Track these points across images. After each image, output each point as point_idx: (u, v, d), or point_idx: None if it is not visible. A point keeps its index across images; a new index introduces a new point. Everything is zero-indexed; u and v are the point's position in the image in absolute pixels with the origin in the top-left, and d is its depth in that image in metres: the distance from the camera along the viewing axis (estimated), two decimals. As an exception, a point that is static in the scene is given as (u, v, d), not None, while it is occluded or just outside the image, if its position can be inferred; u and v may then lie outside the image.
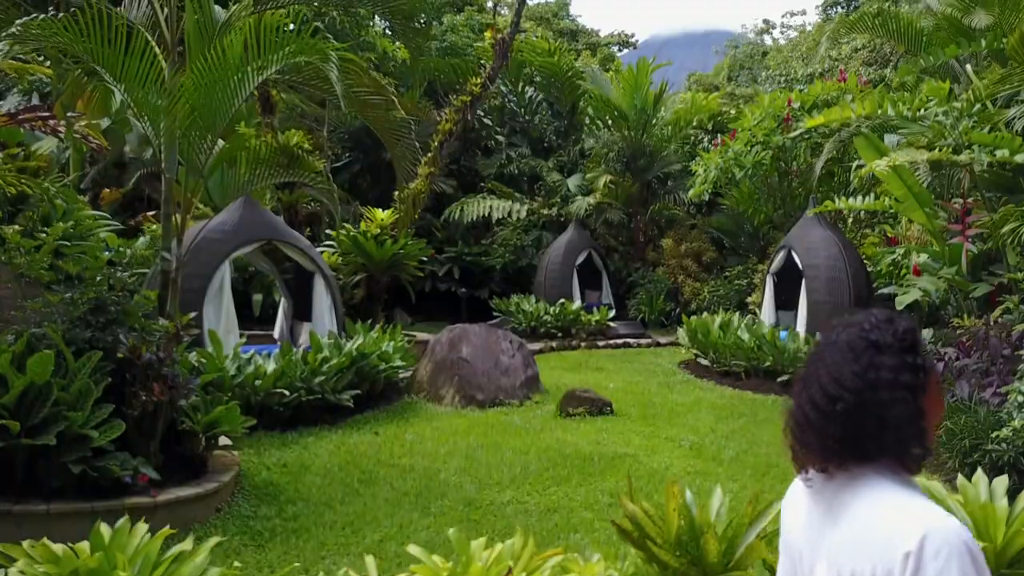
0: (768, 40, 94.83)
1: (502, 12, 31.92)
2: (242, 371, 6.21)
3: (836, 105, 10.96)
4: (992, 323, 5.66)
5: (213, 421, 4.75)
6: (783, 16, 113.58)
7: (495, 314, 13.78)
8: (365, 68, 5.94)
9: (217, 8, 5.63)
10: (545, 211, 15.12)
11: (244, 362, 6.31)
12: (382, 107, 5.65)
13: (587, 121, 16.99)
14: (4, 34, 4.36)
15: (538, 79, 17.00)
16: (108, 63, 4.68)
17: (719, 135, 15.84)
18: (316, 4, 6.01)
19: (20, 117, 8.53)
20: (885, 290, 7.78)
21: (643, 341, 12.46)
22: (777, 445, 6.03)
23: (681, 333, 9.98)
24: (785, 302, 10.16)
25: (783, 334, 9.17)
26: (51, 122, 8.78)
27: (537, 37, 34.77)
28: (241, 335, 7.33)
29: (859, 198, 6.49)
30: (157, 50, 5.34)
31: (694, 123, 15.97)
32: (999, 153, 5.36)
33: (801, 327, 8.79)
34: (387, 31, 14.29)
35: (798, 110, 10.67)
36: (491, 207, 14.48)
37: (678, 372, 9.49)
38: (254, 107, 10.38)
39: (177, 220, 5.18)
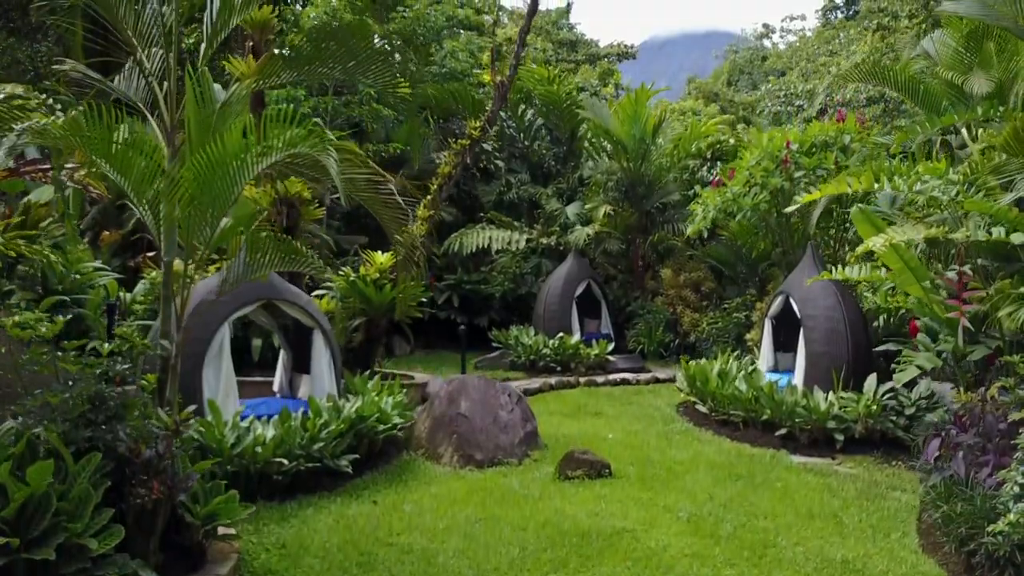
0: (768, 44, 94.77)
1: (503, 22, 31.99)
2: (241, 441, 6.23)
3: (834, 145, 11.06)
4: (988, 399, 5.68)
5: (212, 513, 4.76)
6: (783, 20, 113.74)
7: (494, 344, 13.82)
8: (362, 155, 5.95)
9: (217, 87, 5.65)
10: (544, 240, 15.14)
11: (243, 431, 6.32)
12: (378, 192, 5.67)
13: (586, 146, 17.03)
14: (6, 140, 4.39)
15: (537, 102, 17.02)
16: (109, 158, 4.70)
17: (718, 163, 15.92)
18: (319, 75, 6.01)
19: (22, 170, 8.59)
20: (884, 347, 7.80)
21: (642, 377, 12.48)
22: (774, 516, 6.06)
23: (680, 378, 10.00)
24: (784, 343, 10.18)
25: (783, 382, 9.19)
26: (51, 174, 8.83)
27: (537, 50, 34.85)
28: (241, 402, 7.34)
29: (856, 268, 6.51)
30: (159, 136, 5.36)
31: (692, 150, 16.00)
32: (995, 232, 5.37)
33: (799, 378, 8.80)
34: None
35: (796, 152, 10.69)
36: (490, 238, 14.51)
37: (676, 419, 9.50)
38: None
39: (177, 304, 5.20)
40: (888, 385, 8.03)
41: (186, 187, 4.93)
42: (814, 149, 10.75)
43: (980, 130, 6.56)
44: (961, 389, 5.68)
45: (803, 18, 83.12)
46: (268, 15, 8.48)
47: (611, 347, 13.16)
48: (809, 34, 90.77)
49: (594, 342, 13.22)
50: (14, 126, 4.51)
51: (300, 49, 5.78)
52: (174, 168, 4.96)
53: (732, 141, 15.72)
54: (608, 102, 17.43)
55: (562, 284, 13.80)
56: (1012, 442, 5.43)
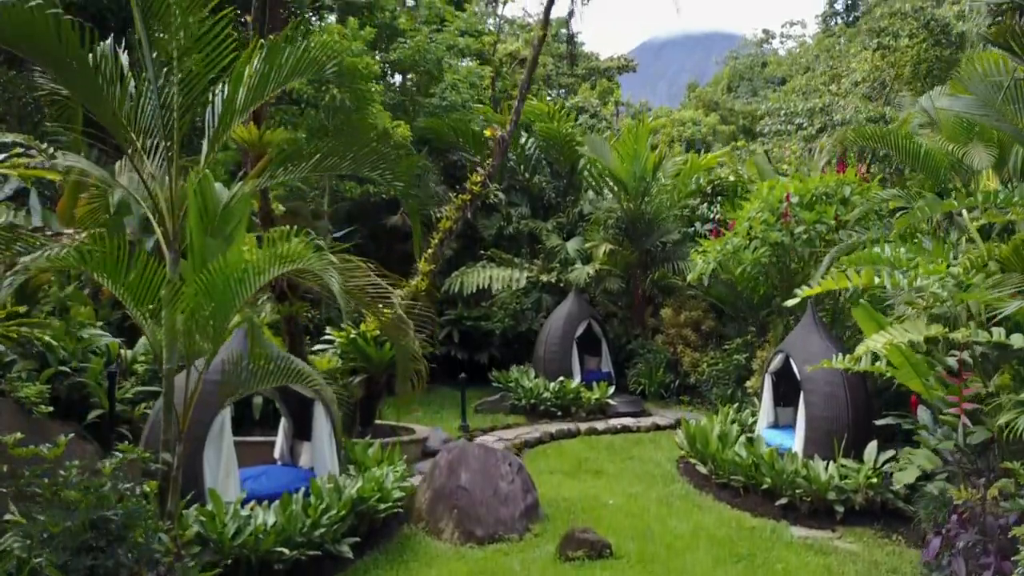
0: (767, 49, 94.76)
1: (504, 31, 31.94)
2: (242, 531, 6.23)
3: (835, 197, 11.06)
4: (988, 498, 5.68)
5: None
6: (783, 26, 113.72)
7: (495, 384, 13.84)
8: (362, 264, 5.96)
9: (219, 186, 5.66)
10: (545, 277, 15.14)
11: (244, 521, 6.33)
12: (377, 300, 5.68)
13: (586, 179, 17.04)
14: (12, 271, 4.41)
15: (538, 136, 17.02)
16: (114, 277, 4.72)
17: (718, 198, 15.94)
18: (321, 170, 6.02)
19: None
20: (885, 420, 7.81)
21: (643, 422, 12.48)
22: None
23: (680, 435, 10.00)
24: (785, 397, 10.18)
25: (783, 440, 9.20)
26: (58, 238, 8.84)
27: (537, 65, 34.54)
28: (241, 471, 7.34)
29: (858, 361, 6.51)
30: (164, 247, 5.37)
31: (692, 186, 16.01)
32: (996, 332, 5.38)
33: (799, 444, 8.80)
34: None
35: (796, 205, 10.69)
36: (491, 277, 14.52)
37: (677, 478, 9.51)
38: (253, 223, 10.41)
39: (178, 414, 5.21)
40: (889, 453, 8.05)
41: (187, 302, 4.95)
42: (814, 200, 10.75)
43: (979, 211, 6.57)
44: (962, 487, 5.68)
45: (804, 25, 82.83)
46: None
47: (611, 390, 13.17)
48: (809, 41, 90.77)
49: (595, 384, 13.23)
50: (21, 259, 4.52)
51: (301, 149, 5.79)
52: (176, 284, 4.98)
53: (732, 178, 15.71)
54: (608, 135, 17.41)
55: (562, 325, 13.81)
56: (1012, 540, 5.44)
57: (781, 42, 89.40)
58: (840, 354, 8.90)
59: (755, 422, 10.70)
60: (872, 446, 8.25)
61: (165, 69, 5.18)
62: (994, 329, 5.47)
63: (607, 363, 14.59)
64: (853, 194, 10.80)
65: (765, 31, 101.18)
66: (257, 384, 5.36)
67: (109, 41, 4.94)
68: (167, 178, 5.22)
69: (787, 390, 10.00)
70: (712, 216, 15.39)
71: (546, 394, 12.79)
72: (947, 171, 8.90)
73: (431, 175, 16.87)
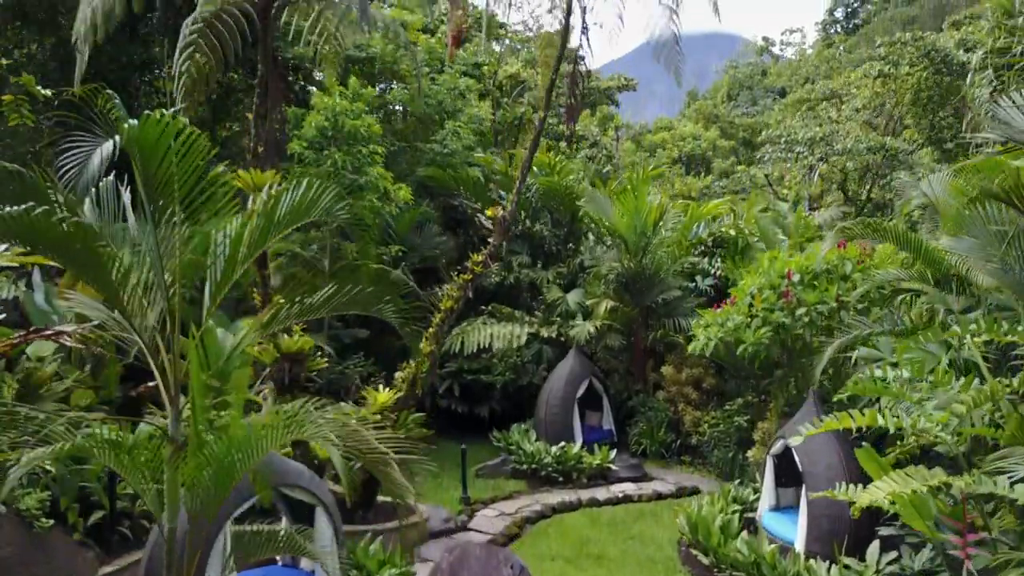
0: (767, 58, 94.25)
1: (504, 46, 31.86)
2: (244, 665, 6.23)
3: (835, 274, 11.05)
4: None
5: None
6: (782, 34, 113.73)
7: (495, 443, 13.86)
8: (361, 420, 5.95)
9: (220, 332, 5.65)
10: (545, 332, 15.13)
11: (246, 654, 6.32)
12: (379, 459, 5.68)
13: (587, 224, 17.04)
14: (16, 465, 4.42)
15: (537, 182, 17.03)
16: (119, 463, 4.74)
17: (719, 250, 15.94)
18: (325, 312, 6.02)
19: (34, 335, 8.61)
20: (888, 531, 7.81)
21: (644, 490, 12.47)
22: None
23: (681, 521, 9.99)
24: (786, 478, 10.18)
25: (787, 537, 9.19)
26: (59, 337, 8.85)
27: (536, 87, 34.47)
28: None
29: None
30: (166, 403, 5.37)
31: (693, 235, 16.02)
32: (1000, 483, 5.39)
33: (801, 542, 8.79)
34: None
35: (798, 284, 10.68)
36: (491, 335, 14.50)
37: (679, 568, 9.50)
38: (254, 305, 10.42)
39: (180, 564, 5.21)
40: (892, 555, 8.05)
41: (189, 472, 4.95)
42: (814, 279, 10.73)
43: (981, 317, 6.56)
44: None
45: (803, 37, 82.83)
46: (272, 177, 8.48)
47: (613, 454, 13.15)
48: (809, 50, 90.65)
49: (596, 447, 13.23)
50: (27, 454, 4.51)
51: (306, 298, 5.78)
52: (178, 456, 4.97)
53: (732, 232, 15.70)
54: (610, 179, 17.37)
55: (563, 386, 13.80)
56: None
57: (781, 50, 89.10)
58: (842, 451, 8.92)
59: (757, 499, 10.71)
60: (875, 547, 8.24)
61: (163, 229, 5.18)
62: (998, 479, 5.47)
63: (608, 420, 14.59)
64: (854, 271, 10.79)
65: (765, 38, 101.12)
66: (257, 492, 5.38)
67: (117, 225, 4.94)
68: (168, 338, 5.22)
69: (789, 472, 10.00)
70: (713, 271, 15.39)
71: (547, 459, 12.79)
72: (948, 264, 8.89)
73: (433, 225, 16.87)
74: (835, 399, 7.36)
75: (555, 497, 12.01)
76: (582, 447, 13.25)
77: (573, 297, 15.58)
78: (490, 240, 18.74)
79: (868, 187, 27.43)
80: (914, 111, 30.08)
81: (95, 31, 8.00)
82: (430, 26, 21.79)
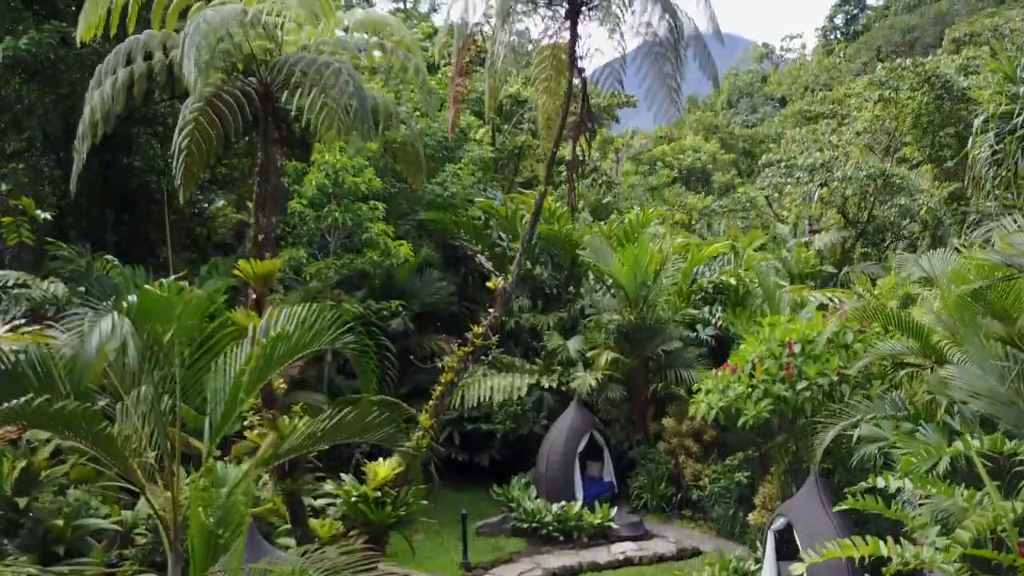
0: (767, 65, 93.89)
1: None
2: None
3: (836, 343, 11.04)
4: None
5: None
6: (782, 40, 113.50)
7: (496, 498, 13.85)
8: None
9: (221, 467, 5.64)
10: (546, 381, 15.11)
11: None
12: None
13: (587, 267, 17.01)
14: None
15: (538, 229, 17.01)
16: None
17: (720, 297, 15.93)
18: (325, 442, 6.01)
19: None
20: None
21: (645, 550, 12.48)
22: None
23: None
24: (788, 551, 10.18)
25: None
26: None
27: (534, 110, 34.42)
28: None
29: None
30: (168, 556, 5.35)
31: (693, 286, 16.03)
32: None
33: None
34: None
35: (799, 356, 10.67)
36: (492, 387, 14.48)
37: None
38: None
39: None
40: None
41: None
42: (814, 349, 10.72)
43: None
44: None
45: (803, 47, 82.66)
46: (272, 266, 8.47)
47: (613, 511, 13.13)
48: (809, 57, 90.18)
49: (597, 504, 13.22)
50: None
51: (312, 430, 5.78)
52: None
53: (733, 281, 15.67)
54: (609, 228, 17.34)
55: (564, 442, 13.79)
56: None
57: (781, 55, 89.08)
58: (845, 535, 8.90)
59: (759, 569, 10.72)
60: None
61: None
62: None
63: (609, 472, 14.58)
64: (855, 341, 10.79)
65: (765, 45, 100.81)
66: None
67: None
68: (168, 493, 5.21)
69: (791, 543, 10.00)
70: (714, 321, 15.37)
71: (548, 517, 12.78)
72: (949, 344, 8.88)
73: (433, 269, 16.85)
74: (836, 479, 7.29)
75: (556, 560, 12.00)
76: (583, 505, 13.23)
77: (574, 344, 15.54)
78: (490, 272, 18.88)
79: (868, 210, 27.41)
80: (915, 133, 30.06)
81: (95, 131, 7.96)
82: (430, 58, 21.69)
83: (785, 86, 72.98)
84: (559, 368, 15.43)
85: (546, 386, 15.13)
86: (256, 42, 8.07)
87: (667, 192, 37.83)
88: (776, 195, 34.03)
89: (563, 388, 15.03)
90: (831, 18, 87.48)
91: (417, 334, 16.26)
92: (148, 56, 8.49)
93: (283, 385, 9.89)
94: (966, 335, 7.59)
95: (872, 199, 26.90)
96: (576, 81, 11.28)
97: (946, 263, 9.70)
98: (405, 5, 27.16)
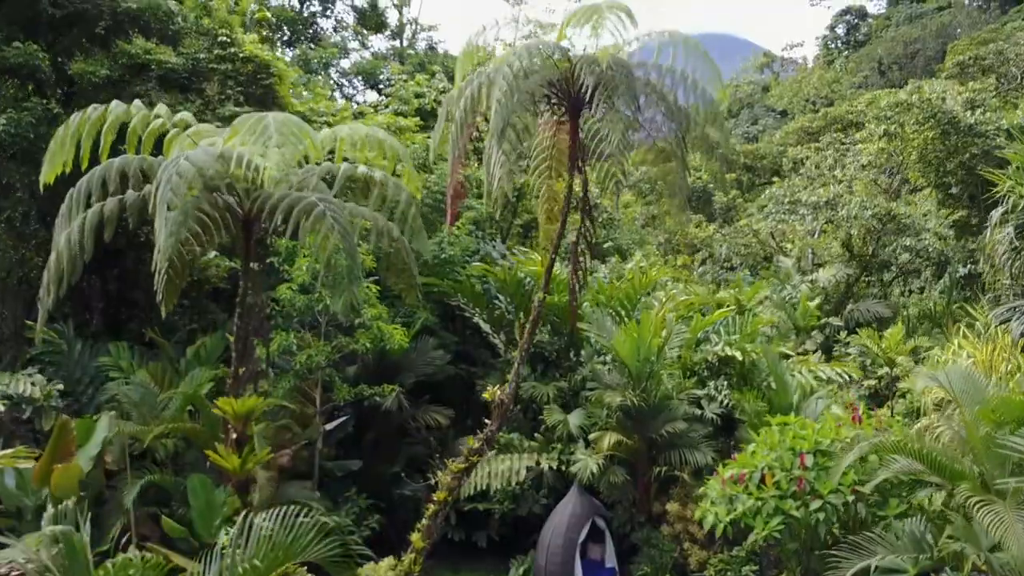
0: (768, 73, 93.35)
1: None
2: None
3: (853, 448, 10.53)
4: None
5: None
6: (783, 49, 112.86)
7: (495, 587, 13.37)
8: None
9: None
10: (546, 462, 14.61)
11: None
12: None
13: (587, 336, 16.51)
14: None
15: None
16: None
17: (727, 367, 15.44)
18: None
19: None
20: None
21: (649, 656, 11.98)
22: None
23: None
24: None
25: None
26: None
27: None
28: None
29: None
30: None
31: (698, 359, 15.53)
32: None
33: None
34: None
35: (812, 471, 10.15)
36: (489, 474, 13.98)
37: None
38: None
39: None
40: None
41: None
42: (828, 461, 10.20)
43: None
44: None
45: (803, 58, 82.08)
46: (252, 404, 7.96)
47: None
48: (811, 64, 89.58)
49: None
50: None
51: None
52: None
53: (739, 356, 15.14)
54: (610, 289, 16.85)
55: (564, 531, 13.30)
56: None
57: (782, 65, 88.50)
58: None
59: None
60: None
61: None
62: None
63: (611, 557, 14.08)
64: (871, 452, 10.27)
65: (766, 54, 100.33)
66: None
67: None
68: None
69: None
70: (720, 398, 14.86)
71: (548, 614, 12.30)
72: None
73: (429, 338, 16.35)
74: None
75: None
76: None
77: (575, 420, 15.02)
78: (487, 334, 18.36)
79: (872, 247, 26.95)
80: (921, 167, 29.64)
81: (59, 282, 7.44)
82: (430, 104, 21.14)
83: (786, 99, 72.43)
84: (559, 446, 14.92)
85: (546, 467, 14.62)
86: (238, 171, 7.56)
87: (668, 220, 37.27)
88: (779, 227, 33.57)
89: (563, 469, 14.53)
90: (832, 28, 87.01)
91: (411, 406, 15.74)
92: (123, 176, 7.97)
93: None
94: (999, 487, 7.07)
95: (877, 236, 26.42)
96: (577, 184, 10.72)
97: (969, 383, 9.20)
98: (401, 43, 26.66)
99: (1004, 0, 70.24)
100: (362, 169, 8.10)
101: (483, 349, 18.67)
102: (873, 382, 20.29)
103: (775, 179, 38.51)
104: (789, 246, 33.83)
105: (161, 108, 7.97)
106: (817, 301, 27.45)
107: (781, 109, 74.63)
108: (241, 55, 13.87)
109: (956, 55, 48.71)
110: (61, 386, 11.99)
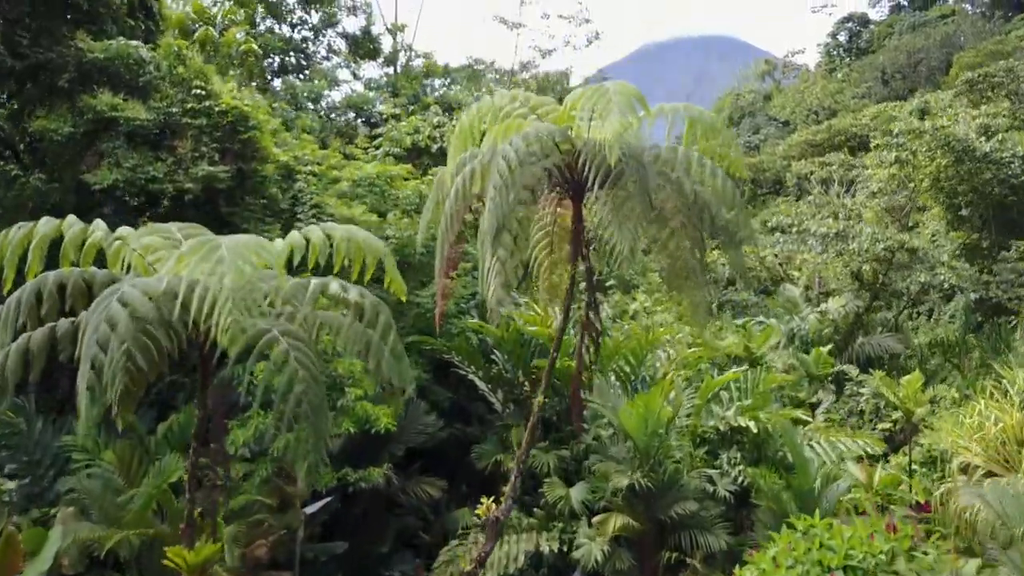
0: (769, 80, 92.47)
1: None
2: None
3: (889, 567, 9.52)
4: None
5: None
6: (785, 56, 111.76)
7: None
8: None
9: None
10: (546, 544, 13.59)
11: None
12: None
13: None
14: None
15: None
16: None
17: (738, 452, 14.43)
18: None
19: None
20: None
21: None
22: None
23: None
24: None
25: None
26: None
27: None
28: None
29: None
30: None
31: (710, 426, 14.54)
32: None
33: None
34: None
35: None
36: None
37: None
38: None
39: None
40: None
41: None
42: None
43: None
44: None
45: (805, 66, 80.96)
46: (208, 552, 6.94)
47: None
48: (812, 70, 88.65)
49: None
50: None
51: None
52: None
53: (753, 428, 14.11)
54: (614, 343, 15.86)
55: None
56: None
57: (783, 73, 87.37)
58: None
59: None
60: None
61: None
62: None
63: (617, 649, 13.07)
64: (908, 571, 9.27)
65: (767, 61, 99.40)
66: None
67: None
68: None
69: None
70: (733, 474, 13.85)
71: None
72: None
73: (420, 402, 15.34)
74: None
75: None
76: None
77: (577, 495, 13.99)
78: (483, 393, 17.35)
79: (882, 276, 25.99)
80: (934, 194, 28.78)
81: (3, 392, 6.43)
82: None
83: (789, 109, 71.34)
84: (560, 524, 13.90)
85: (546, 548, 13.59)
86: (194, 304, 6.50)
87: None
88: (785, 253, 32.63)
89: (565, 553, 13.51)
90: (834, 35, 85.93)
91: (401, 477, 14.72)
92: (62, 288, 6.92)
93: None
94: None
95: (887, 267, 25.48)
96: (581, 267, 9.69)
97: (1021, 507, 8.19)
98: (396, 69, 25.60)
99: (1008, 7, 69.38)
100: (335, 288, 7.05)
101: (479, 402, 17.66)
102: (888, 425, 19.40)
103: (780, 199, 37.52)
104: (796, 273, 32.86)
105: (98, 223, 6.98)
106: (827, 331, 26.44)
107: (784, 120, 73.64)
108: (217, 108, 12.84)
109: (962, 67, 47.78)
110: (13, 484, 10.98)
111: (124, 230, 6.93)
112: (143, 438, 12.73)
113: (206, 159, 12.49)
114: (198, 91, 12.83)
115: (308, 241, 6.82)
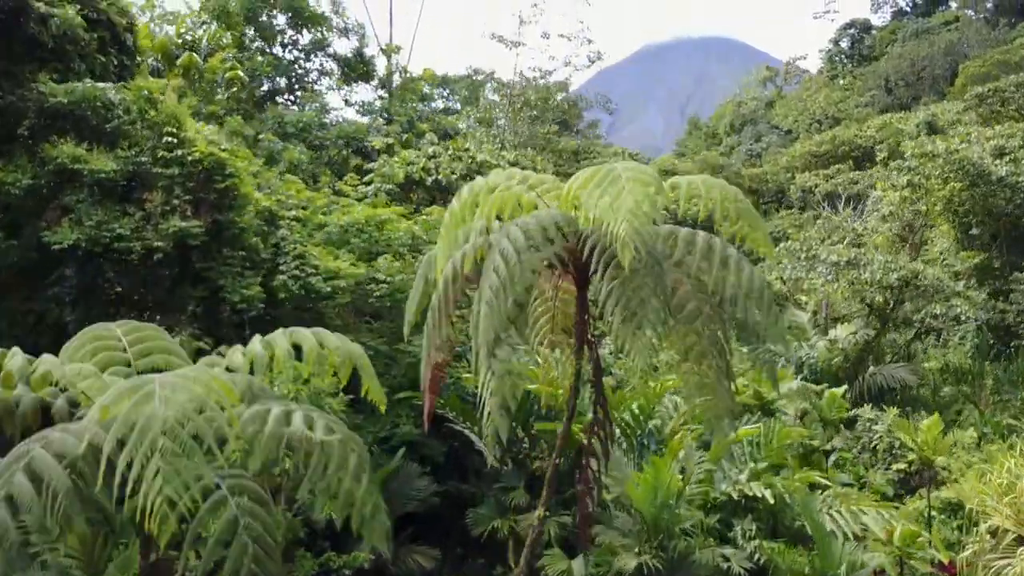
0: (770, 86, 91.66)
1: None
2: None
3: None
4: None
5: None
6: (786, 62, 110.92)
7: None
8: None
9: None
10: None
11: None
12: None
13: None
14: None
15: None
16: None
17: (753, 522, 13.46)
18: None
19: None
20: None
21: None
22: None
23: None
24: None
25: None
26: None
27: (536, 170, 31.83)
28: None
29: None
30: None
31: (721, 492, 13.57)
32: None
33: None
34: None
35: None
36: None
37: None
38: None
39: None
40: None
41: None
42: None
43: None
44: None
45: (807, 73, 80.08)
46: None
47: None
48: (814, 74, 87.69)
49: None
50: None
51: None
52: None
53: (771, 498, 13.14)
54: (619, 397, 14.91)
55: None
56: None
57: (785, 79, 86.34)
58: None
59: None
60: None
61: None
62: None
63: None
64: None
65: (769, 67, 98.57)
66: None
67: None
68: None
69: None
70: (750, 549, 12.87)
71: None
72: None
73: (411, 463, 14.38)
74: None
75: None
76: None
77: (579, 568, 13.00)
78: (479, 450, 16.35)
79: (893, 302, 25.10)
80: (947, 216, 28.00)
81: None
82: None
83: (791, 118, 70.36)
84: (563, 601, 12.92)
85: (547, 625, 12.61)
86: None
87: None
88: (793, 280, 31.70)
89: (569, 628, 12.54)
90: (836, 41, 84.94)
91: (391, 546, 13.71)
92: None
93: None
94: None
95: (899, 295, 24.63)
96: (589, 363, 8.73)
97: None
98: (390, 91, 24.62)
99: (1012, 13, 68.49)
100: (297, 423, 6.00)
101: (475, 455, 16.68)
102: (903, 466, 18.56)
103: (783, 210, 36.68)
104: (804, 298, 31.90)
105: (15, 351, 6.06)
106: (837, 360, 25.61)
107: (786, 129, 72.66)
108: (191, 156, 11.85)
109: (968, 76, 46.84)
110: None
111: (45, 358, 5.99)
112: (111, 517, 11.75)
113: (178, 213, 11.50)
114: (169, 138, 11.86)
115: (272, 355, 5.87)
